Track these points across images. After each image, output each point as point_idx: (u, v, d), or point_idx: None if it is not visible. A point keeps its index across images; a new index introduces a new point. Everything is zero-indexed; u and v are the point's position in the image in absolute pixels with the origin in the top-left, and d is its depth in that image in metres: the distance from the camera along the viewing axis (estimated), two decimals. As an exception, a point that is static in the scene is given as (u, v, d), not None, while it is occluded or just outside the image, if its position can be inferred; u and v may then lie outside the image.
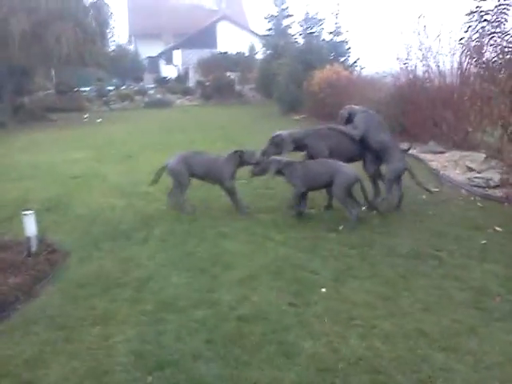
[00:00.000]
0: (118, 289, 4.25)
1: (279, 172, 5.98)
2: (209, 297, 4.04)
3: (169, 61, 37.27)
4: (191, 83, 29.92)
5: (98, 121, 19.69)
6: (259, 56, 27.68)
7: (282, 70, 19.71)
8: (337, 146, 6.31)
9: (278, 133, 6.49)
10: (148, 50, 37.80)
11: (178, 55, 35.47)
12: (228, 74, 27.03)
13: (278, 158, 6.10)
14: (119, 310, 3.87)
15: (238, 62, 27.87)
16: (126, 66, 32.04)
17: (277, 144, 6.38)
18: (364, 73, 17.19)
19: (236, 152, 6.22)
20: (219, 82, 26.47)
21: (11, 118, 19.29)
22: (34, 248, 4.82)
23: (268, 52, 24.06)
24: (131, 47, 38.33)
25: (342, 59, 19.40)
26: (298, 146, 6.46)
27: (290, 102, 18.68)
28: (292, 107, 18.83)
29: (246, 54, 29.85)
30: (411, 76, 11.77)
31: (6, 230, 5.70)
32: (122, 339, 3.46)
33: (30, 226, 4.82)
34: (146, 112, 23.29)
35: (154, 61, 39.08)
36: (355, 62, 19.62)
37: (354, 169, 5.93)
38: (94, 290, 4.24)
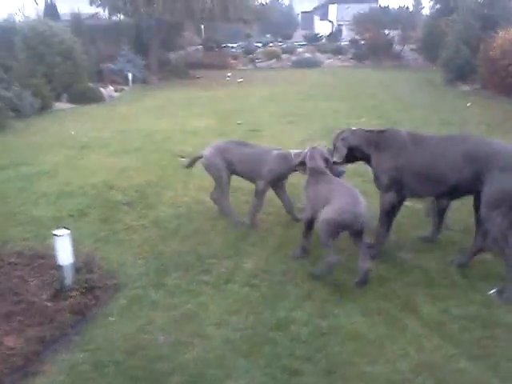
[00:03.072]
0: (149, 387, 2.67)
1: None
2: None
3: (324, 16, 34.66)
4: (344, 42, 27.25)
5: (239, 81, 18.50)
6: (426, 11, 23.85)
7: (452, 29, 16.28)
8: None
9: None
10: (303, 5, 35.60)
11: (333, 10, 32.74)
12: (386, 32, 23.82)
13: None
14: None
15: (400, 19, 24.32)
16: (277, 22, 30.30)
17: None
18: None
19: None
20: (376, 40, 23.50)
21: (155, 74, 19.04)
22: (68, 281, 3.45)
23: (437, 6, 20.22)
24: (285, 1, 36.45)
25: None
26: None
27: (458, 69, 15.36)
28: (461, 75, 15.49)
29: (411, 8, 25.99)
30: None
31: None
32: None
33: (64, 251, 3.43)
34: (292, 72, 21.57)
35: (308, 16, 36.80)
36: (556, 19, 15.31)
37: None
38: (116, 382, 2.71)
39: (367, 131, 4.18)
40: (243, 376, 2.73)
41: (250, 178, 4.85)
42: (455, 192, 3.85)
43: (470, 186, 3.62)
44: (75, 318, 3.18)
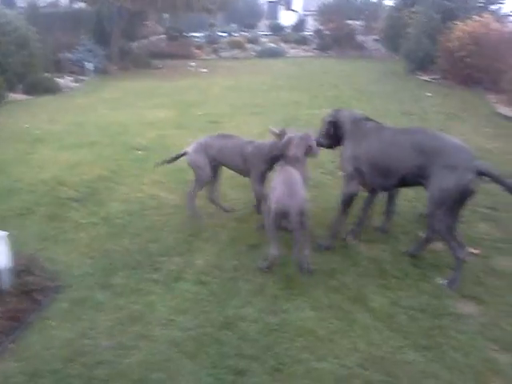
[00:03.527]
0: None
1: None
2: None
3: (289, 6, 34.51)
4: (308, 32, 27.21)
5: (203, 71, 18.27)
6: (389, 2, 23.99)
7: (414, 20, 16.45)
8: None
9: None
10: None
11: (299, 0, 32.64)
12: (350, 22, 23.93)
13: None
14: None
15: (364, 10, 24.46)
16: (242, 11, 30.02)
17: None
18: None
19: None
20: (339, 31, 23.56)
21: (116, 64, 18.58)
22: (5, 285, 3.27)
23: (400, -2, 20.42)
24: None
25: (494, 7, 15.52)
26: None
27: (419, 59, 15.57)
28: (421, 65, 15.71)
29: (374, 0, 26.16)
30: None
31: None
32: None
33: (1, 254, 3.25)
34: (255, 62, 21.43)
35: (273, 6, 36.55)
36: (512, 11, 15.63)
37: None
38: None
39: (355, 112, 4.18)
40: (187, 378, 2.64)
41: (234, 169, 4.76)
42: (403, 184, 3.85)
43: (417, 179, 3.60)
44: (11, 325, 3.01)
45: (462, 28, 13.23)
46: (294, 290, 3.44)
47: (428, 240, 3.84)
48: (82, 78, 15.25)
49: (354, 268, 3.73)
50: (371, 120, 4.06)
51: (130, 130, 8.42)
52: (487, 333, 2.98)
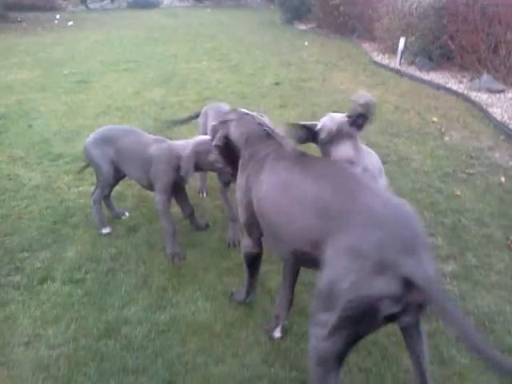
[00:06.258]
0: None
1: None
2: None
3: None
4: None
5: (69, 24, 16.52)
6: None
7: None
8: None
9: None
10: None
11: None
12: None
13: None
14: None
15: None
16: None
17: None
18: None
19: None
20: (214, -21, 22.62)
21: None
22: None
23: None
24: None
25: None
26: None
27: (295, 9, 15.42)
28: (297, 15, 15.60)
29: None
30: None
31: None
32: None
33: None
34: (128, 14, 19.90)
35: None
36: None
37: None
38: None
39: (259, 123, 2.45)
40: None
41: None
42: (300, 261, 2.24)
43: (311, 260, 1.90)
44: None
45: (333, -24, 13.20)
46: (184, 277, 3.04)
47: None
48: None
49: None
50: (277, 136, 2.39)
51: (-16, 94, 7.24)
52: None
